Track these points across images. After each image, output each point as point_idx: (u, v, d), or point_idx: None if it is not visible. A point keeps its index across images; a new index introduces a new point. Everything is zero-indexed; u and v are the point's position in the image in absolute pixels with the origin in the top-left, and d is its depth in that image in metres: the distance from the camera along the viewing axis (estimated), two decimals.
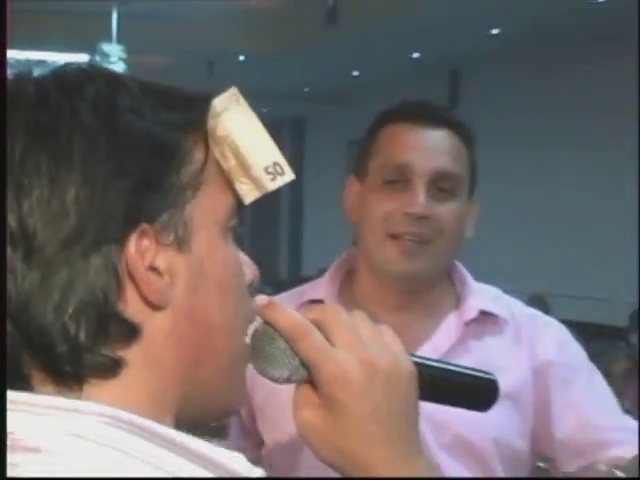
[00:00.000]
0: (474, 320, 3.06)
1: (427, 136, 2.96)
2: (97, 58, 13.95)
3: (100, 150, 1.25)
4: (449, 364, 1.83)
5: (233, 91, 1.42)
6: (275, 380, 1.50)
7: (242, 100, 1.42)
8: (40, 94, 1.28)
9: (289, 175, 1.46)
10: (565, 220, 13.01)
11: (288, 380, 1.50)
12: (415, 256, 2.96)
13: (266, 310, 1.47)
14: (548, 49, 13.29)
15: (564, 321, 8.96)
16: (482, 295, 3.19)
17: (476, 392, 1.84)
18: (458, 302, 3.19)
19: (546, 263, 13.15)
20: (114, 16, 14.83)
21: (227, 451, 1.29)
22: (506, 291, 3.11)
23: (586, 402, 2.94)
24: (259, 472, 1.30)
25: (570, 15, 11.78)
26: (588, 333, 9.14)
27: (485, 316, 3.11)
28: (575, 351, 3.07)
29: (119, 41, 14.90)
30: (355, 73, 15.77)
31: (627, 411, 5.30)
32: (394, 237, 2.91)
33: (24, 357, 1.27)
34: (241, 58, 14.76)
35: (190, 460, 1.24)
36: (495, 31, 13.40)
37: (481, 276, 3.15)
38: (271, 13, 11.70)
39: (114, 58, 14.55)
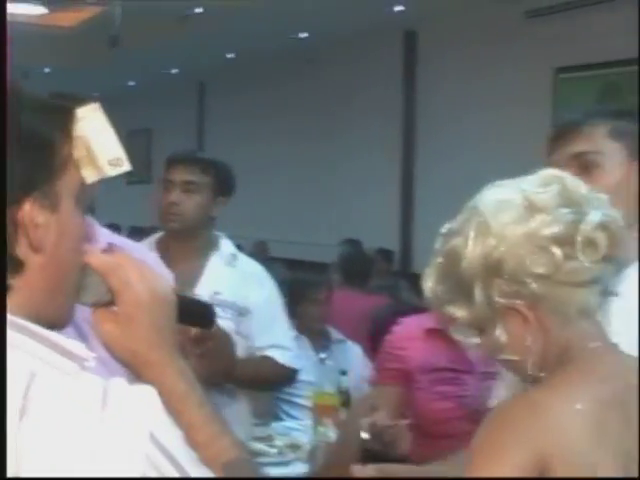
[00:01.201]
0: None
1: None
2: None
3: (12, 142, 1.35)
4: (190, 297, 1.96)
5: (94, 105, 1.53)
6: (86, 304, 1.55)
7: (99, 111, 1.53)
8: None
9: (126, 167, 1.58)
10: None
11: (95, 304, 1.56)
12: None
13: (88, 255, 1.53)
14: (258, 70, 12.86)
15: (280, 259, 9.22)
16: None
17: (204, 315, 1.98)
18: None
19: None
20: None
21: (72, 340, 1.39)
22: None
23: None
24: (91, 355, 1.39)
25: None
26: (296, 268, 9.34)
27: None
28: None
29: None
30: (131, 83, 15.62)
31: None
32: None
33: None
34: (47, 70, 14.28)
35: (39, 342, 1.35)
36: (230, 55, 12.82)
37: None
38: (68, 34, 11.30)
39: None
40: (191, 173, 3.78)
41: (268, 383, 4.03)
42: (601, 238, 1.79)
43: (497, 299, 1.79)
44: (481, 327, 1.85)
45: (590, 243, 1.78)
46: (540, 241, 1.77)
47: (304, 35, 10.90)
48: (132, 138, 15.24)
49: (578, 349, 1.84)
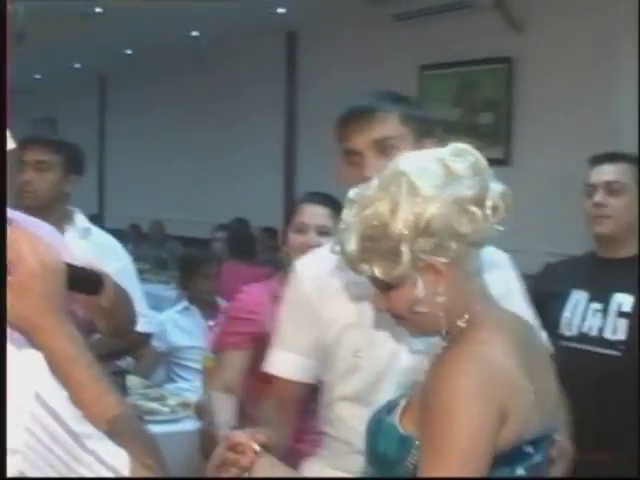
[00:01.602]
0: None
1: None
2: None
3: None
4: (79, 266, 1.96)
5: None
6: None
7: None
8: None
9: (11, 144, 1.73)
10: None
11: None
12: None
13: None
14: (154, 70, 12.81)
15: (176, 237, 9.13)
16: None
17: (92, 282, 2.04)
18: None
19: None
20: None
21: None
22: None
23: None
24: None
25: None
26: (190, 245, 9.61)
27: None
28: None
29: None
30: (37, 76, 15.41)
31: None
32: None
33: None
34: None
35: None
36: (128, 51, 12.52)
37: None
38: None
39: None
40: (43, 153, 3.75)
41: (126, 349, 3.92)
42: (501, 205, 1.85)
43: (420, 257, 1.80)
44: (398, 283, 1.84)
45: (495, 208, 1.84)
46: (463, 203, 1.80)
47: (196, 34, 10.85)
48: (38, 126, 15.10)
49: (480, 305, 1.89)
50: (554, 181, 7.14)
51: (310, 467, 2.42)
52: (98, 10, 9.59)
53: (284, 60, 10.57)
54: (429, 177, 1.81)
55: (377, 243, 1.81)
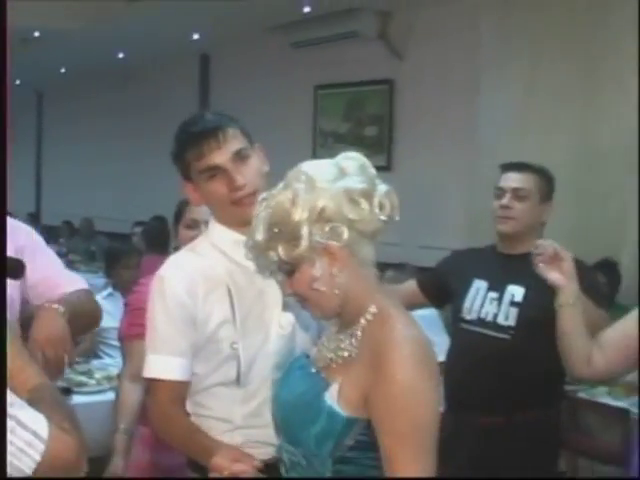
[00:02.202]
0: None
1: None
2: None
3: None
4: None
5: None
6: None
7: None
8: None
9: None
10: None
11: None
12: None
13: None
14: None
15: (103, 233, 8.97)
16: None
17: (15, 267, 2.01)
18: None
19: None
20: None
21: None
22: None
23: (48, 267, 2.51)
24: None
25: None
26: (115, 240, 9.44)
27: None
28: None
29: None
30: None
31: None
32: None
33: None
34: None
35: None
36: (63, 70, 12.20)
37: None
38: None
39: None
40: None
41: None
42: (387, 202, 1.85)
43: (317, 240, 1.80)
44: (299, 264, 1.84)
45: (382, 204, 1.85)
46: (352, 194, 1.81)
47: (121, 55, 10.71)
48: None
49: (376, 295, 1.88)
50: (427, 183, 7.26)
51: None
52: (36, 34, 9.47)
53: (198, 79, 10.49)
54: (324, 174, 1.84)
55: (281, 230, 1.82)
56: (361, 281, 1.89)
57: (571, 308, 2.64)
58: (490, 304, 3.26)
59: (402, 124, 7.74)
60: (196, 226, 3.03)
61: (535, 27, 6.34)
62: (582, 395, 4.51)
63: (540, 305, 3.04)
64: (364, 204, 1.82)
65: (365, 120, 8.05)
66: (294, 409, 1.91)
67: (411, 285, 3.53)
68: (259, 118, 9.66)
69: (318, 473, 1.84)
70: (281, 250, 1.83)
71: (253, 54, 9.30)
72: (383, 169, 7.42)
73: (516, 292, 3.22)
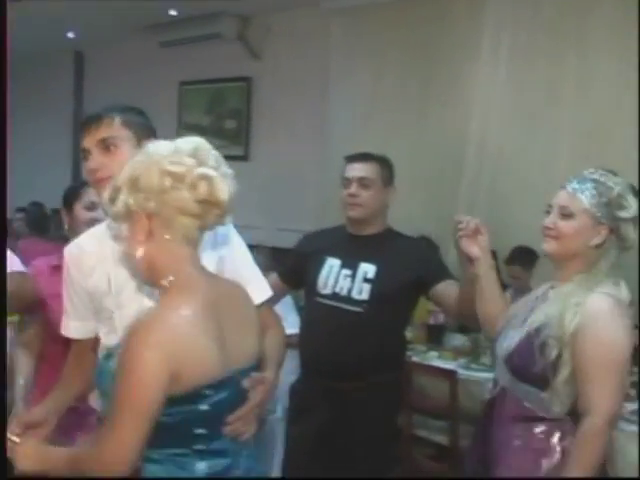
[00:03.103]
0: None
1: None
2: None
3: None
4: None
5: None
6: None
7: None
8: None
9: None
10: None
11: None
12: None
13: None
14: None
15: None
16: None
17: None
18: None
19: None
20: None
21: None
22: None
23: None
24: None
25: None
26: None
27: None
28: None
29: None
30: None
31: None
32: None
33: None
34: None
35: None
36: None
37: None
38: None
39: None
40: None
41: None
42: (203, 185, 1.74)
43: (130, 205, 1.76)
44: (120, 226, 1.83)
45: (194, 185, 1.74)
46: (164, 170, 1.74)
47: None
48: None
49: (181, 269, 1.79)
50: (283, 171, 7.22)
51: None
52: None
53: (72, 76, 10.15)
54: (158, 150, 1.79)
55: (110, 193, 1.80)
56: (166, 253, 1.80)
57: (487, 277, 2.59)
58: (344, 280, 3.24)
59: (259, 118, 7.69)
60: (95, 208, 2.92)
61: (381, 31, 6.41)
62: (416, 359, 4.55)
63: (390, 281, 3.15)
64: (167, 181, 1.74)
65: (225, 114, 7.96)
66: None
67: (274, 279, 3.40)
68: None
69: None
70: (108, 210, 1.84)
71: (124, 52, 9.10)
72: (241, 159, 7.44)
73: (368, 270, 3.22)
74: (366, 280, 3.21)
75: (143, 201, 1.75)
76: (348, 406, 3.20)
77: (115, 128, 2.13)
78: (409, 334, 4.87)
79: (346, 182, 3.26)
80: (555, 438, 2.27)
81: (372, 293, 3.18)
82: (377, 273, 3.20)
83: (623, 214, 2.31)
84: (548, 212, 2.40)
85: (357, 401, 3.20)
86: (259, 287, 2.21)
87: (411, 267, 3.19)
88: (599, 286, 2.28)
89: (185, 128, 8.26)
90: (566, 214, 2.34)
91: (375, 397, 3.19)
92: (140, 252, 1.80)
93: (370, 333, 3.17)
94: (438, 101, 6.12)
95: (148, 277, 1.85)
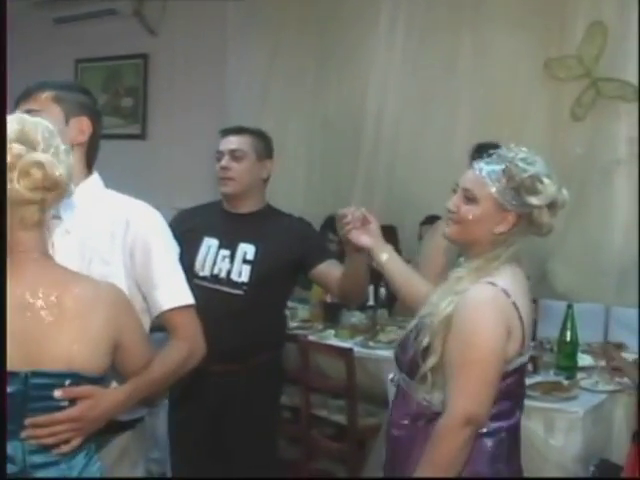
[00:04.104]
0: None
1: None
2: None
3: None
4: None
5: None
6: None
7: None
8: None
9: None
10: None
11: None
12: None
13: None
14: None
15: None
16: None
17: None
18: None
19: None
20: None
21: None
22: None
23: None
24: None
25: None
26: None
27: None
28: None
29: None
30: None
31: None
32: None
33: None
34: None
35: None
36: None
37: None
38: None
39: None
40: None
41: None
42: (35, 172, 1.66)
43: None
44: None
45: (26, 174, 1.67)
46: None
47: None
48: None
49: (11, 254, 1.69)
50: (179, 150, 6.97)
51: None
52: None
53: None
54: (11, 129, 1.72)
55: None
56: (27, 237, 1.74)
57: (391, 262, 2.36)
58: (222, 261, 3.07)
59: (156, 95, 7.40)
60: None
61: (277, 6, 6.22)
62: (312, 338, 4.35)
63: (270, 262, 3.03)
64: (11, 171, 1.66)
65: (122, 92, 7.64)
66: None
67: None
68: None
69: None
70: None
71: (17, 29, 8.52)
72: (138, 137, 7.28)
73: (248, 250, 3.06)
74: (245, 261, 3.06)
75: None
76: (231, 388, 3.07)
77: (41, 102, 2.08)
78: (306, 312, 4.70)
79: (219, 155, 3.11)
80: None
81: (252, 275, 3.04)
82: (257, 254, 3.06)
83: (534, 200, 2.01)
84: (455, 191, 2.15)
85: (240, 382, 3.06)
86: (169, 292, 2.08)
87: (292, 247, 3.06)
88: (491, 275, 2.02)
89: None
90: (470, 197, 2.07)
91: (258, 377, 3.08)
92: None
93: (252, 315, 3.03)
94: (335, 77, 6.03)
95: None
